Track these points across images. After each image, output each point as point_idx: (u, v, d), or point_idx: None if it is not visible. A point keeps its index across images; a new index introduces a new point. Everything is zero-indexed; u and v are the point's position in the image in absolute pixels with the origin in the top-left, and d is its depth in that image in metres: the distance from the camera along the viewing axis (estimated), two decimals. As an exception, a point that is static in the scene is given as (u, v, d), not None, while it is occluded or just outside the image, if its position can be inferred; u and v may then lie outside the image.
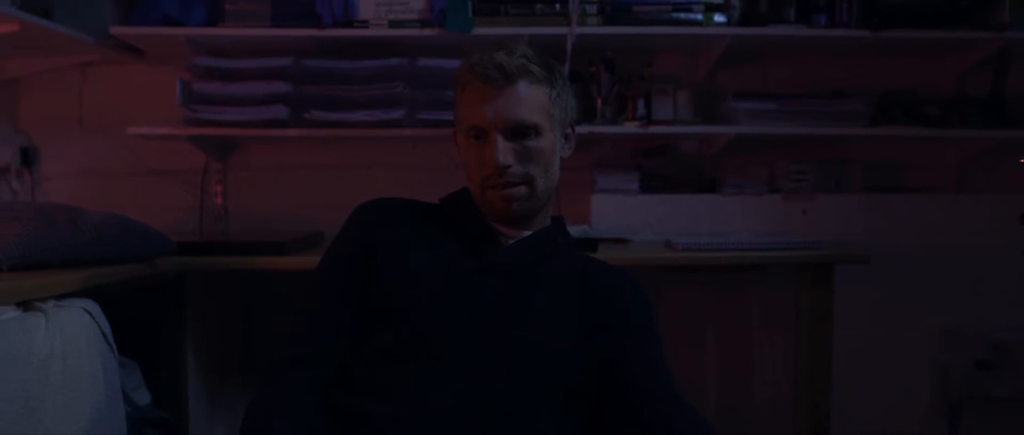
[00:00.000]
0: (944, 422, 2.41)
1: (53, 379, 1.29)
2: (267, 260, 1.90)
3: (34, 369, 1.26)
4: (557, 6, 2.22)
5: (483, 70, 1.21)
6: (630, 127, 2.31)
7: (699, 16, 2.25)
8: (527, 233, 1.28)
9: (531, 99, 1.22)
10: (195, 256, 1.88)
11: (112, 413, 1.45)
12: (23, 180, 2.38)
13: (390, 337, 1.20)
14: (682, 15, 2.25)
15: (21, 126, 2.41)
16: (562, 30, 2.22)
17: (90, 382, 1.40)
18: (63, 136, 2.42)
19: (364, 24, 2.21)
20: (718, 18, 2.26)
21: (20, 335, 1.25)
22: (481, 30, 2.21)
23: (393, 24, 2.22)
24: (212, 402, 2.14)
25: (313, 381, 1.19)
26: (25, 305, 1.32)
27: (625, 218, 2.35)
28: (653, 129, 2.31)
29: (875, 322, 2.41)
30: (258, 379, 1.24)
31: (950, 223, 2.39)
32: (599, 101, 2.32)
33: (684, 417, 1.18)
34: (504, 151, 1.20)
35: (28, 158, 2.37)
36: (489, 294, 1.22)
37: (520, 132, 1.21)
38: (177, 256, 1.84)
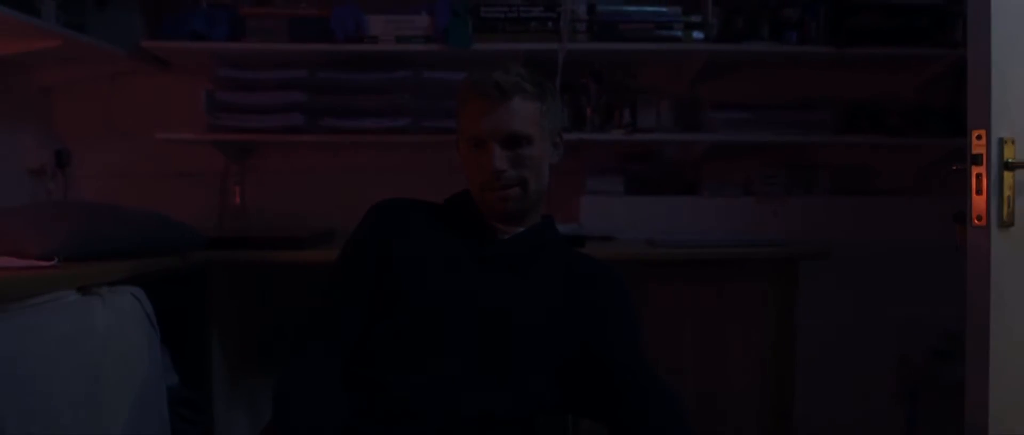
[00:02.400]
0: (903, 406, 2.56)
1: (110, 353, 1.49)
2: (287, 254, 2.06)
3: (95, 344, 1.45)
4: (549, 24, 2.39)
5: (482, 88, 1.37)
6: (616, 134, 2.47)
7: (679, 33, 2.41)
8: (520, 229, 1.45)
9: (524, 113, 1.38)
10: (223, 250, 2.06)
11: (157, 385, 1.65)
12: (57, 180, 2.55)
13: (401, 317, 1.37)
14: (664, 32, 2.41)
15: (55, 130, 2.58)
16: (554, 46, 2.37)
17: (138, 358, 1.59)
18: (93, 140, 2.58)
19: (374, 40, 2.38)
20: (697, 35, 2.42)
21: (83, 315, 1.45)
22: (480, 46, 2.36)
23: (400, 40, 2.38)
24: (234, 384, 2.31)
25: (334, 352, 1.35)
26: (83, 290, 1.50)
27: (612, 218, 2.49)
28: (637, 136, 2.48)
29: (840, 314, 2.54)
30: (285, 350, 1.37)
31: (908, 223, 2.52)
32: (588, 110, 2.48)
33: (656, 388, 1.35)
34: (500, 158, 1.37)
35: (61, 160, 2.54)
36: (487, 281, 1.39)
37: (514, 142, 1.37)
38: (206, 250, 2.03)
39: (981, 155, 1.55)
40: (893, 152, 2.62)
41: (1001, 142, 1.51)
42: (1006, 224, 1.52)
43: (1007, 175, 1.51)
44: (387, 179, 2.55)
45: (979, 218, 1.55)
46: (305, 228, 2.32)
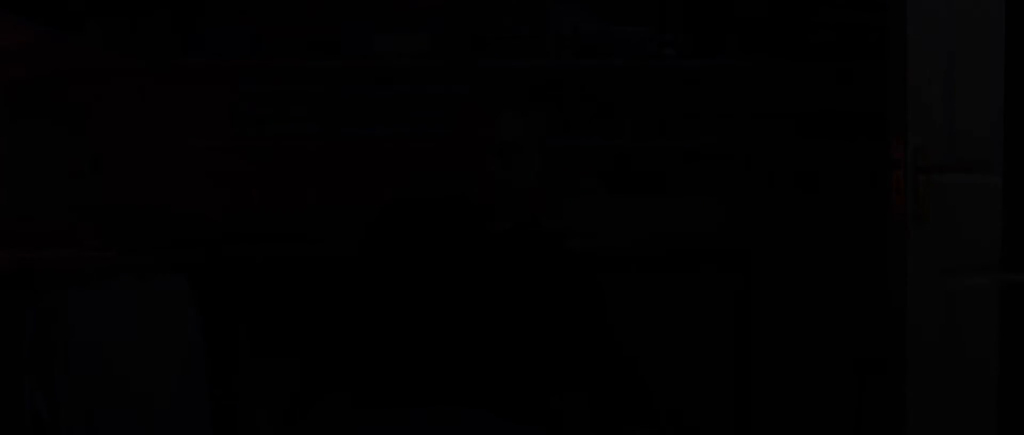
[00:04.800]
0: (853, 383, 2.72)
1: (163, 329, 1.74)
2: (306, 249, 2.28)
3: (151, 320, 1.70)
4: (538, 42, 2.61)
5: (477, 102, 1.63)
6: (598, 141, 2.69)
7: (653, 50, 2.64)
8: (509, 225, 1.65)
9: (513, 125, 1.58)
10: (249, 245, 2.28)
11: (199, 361, 1.89)
12: (92, 183, 2.75)
13: (406, 302, 1.57)
14: (640, 49, 2.64)
15: (90, 137, 2.76)
16: (542, 61, 2.58)
17: (185, 336, 1.83)
18: (125, 145, 2.73)
19: (381, 56, 2.58)
20: (669, 51, 2.66)
21: (142, 296, 1.70)
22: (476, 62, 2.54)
23: (405, 56, 2.58)
24: (256, 367, 2.51)
25: (350, 334, 1.59)
26: (139, 276, 1.74)
27: (593, 216, 2.68)
28: (616, 142, 2.70)
29: (796, 302, 2.71)
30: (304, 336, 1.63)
31: (857, 219, 2.68)
32: (572, 119, 2.69)
33: (622, 364, 1.57)
34: (493, 164, 1.58)
35: (96, 164, 2.74)
36: (480, 270, 1.60)
37: (505, 149, 1.59)
38: (235, 245, 2.26)
39: (900, 159, 1.75)
40: (850, 156, 2.78)
41: (916, 149, 1.73)
42: (921, 219, 1.75)
43: (922, 177, 1.73)
44: (393, 181, 2.72)
45: (899, 214, 1.78)
46: (320, 226, 2.52)
